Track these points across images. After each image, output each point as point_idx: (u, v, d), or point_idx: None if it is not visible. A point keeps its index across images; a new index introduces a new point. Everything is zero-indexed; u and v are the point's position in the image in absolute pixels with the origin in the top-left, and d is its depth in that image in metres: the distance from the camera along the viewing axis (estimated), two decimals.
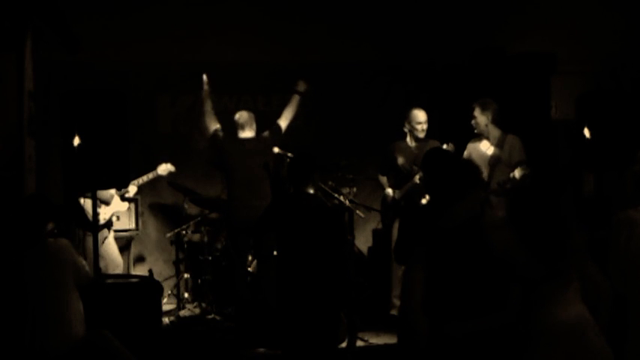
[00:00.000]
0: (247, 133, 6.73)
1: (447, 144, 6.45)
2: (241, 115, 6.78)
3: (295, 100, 6.80)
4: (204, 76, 6.76)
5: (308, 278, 4.69)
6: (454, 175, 4.50)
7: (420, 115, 6.77)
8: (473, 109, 6.61)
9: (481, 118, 6.59)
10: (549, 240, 3.38)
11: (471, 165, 3.97)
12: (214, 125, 6.75)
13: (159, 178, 7.22)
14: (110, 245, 6.91)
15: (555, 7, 7.80)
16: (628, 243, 3.20)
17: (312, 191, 4.91)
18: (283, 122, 6.77)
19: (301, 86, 6.82)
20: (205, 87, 6.75)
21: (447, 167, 4.36)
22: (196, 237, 7.66)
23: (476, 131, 6.63)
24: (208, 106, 6.76)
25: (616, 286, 3.50)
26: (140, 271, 7.73)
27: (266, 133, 6.73)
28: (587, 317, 3.45)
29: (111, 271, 6.69)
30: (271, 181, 6.60)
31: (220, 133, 6.74)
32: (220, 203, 7.43)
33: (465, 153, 6.69)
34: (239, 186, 6.58)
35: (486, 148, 6.58)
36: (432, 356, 3.67)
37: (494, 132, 6.59)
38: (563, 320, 3.40)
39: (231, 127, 6.90)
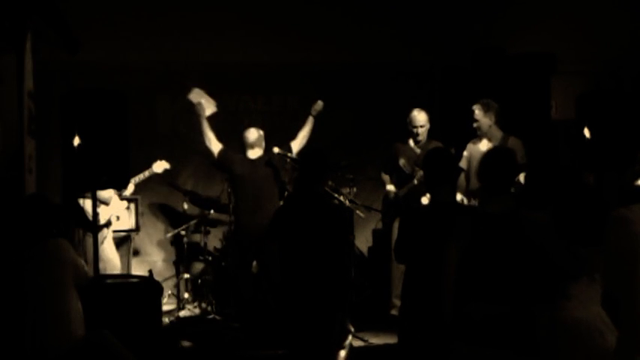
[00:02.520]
0: (257, 152, 6.65)
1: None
2: (251, 135, 6.65)
3: (310, 123, 6.70)
4: (203, 101, 6.71)
5: (310, 278, 4.66)
6: (454, 173, 4.53)
7: (418, 118, 6.75)
8: (474, 111, 6.59)
9: (484, 120, 6.57)
10: (590, 222, 3.45)
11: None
12: (216, 147, 6.66)
13: (155, 176, 7.20)
14: (108, 246, 6.90)
15: (555, 8, 7.81)
16: (619, 241, 3.20)
17: (321, 190, 4.82)
18: (296, 146, 6.66)
19: (318, 107, 6.71)
20: (203, 110, 6.68)
21: (447, 166, 4.40)
22: (196, 237, 7.66)
23: (479, 133, 6.62)
24: (207, 128, 6.65)
25: (609, 287, 3.52)
26: (139, 270, 7.72)
27: (276, 152, 6.55)
28: (606, 319, 3.50)
29: (109, 272, 6.68)
30: (275, 177, 6.59)
31: (226, 153, 6.67)
32: (220, 204, 7.43)
33: (465, 153, 6.69)
34: (247, 200, 6.56)
35: (486, 148, 6.57)
36: (451, 334, 3.74)
37: (497, 133, 6.58)
38: (585, 318, 3.47)
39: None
